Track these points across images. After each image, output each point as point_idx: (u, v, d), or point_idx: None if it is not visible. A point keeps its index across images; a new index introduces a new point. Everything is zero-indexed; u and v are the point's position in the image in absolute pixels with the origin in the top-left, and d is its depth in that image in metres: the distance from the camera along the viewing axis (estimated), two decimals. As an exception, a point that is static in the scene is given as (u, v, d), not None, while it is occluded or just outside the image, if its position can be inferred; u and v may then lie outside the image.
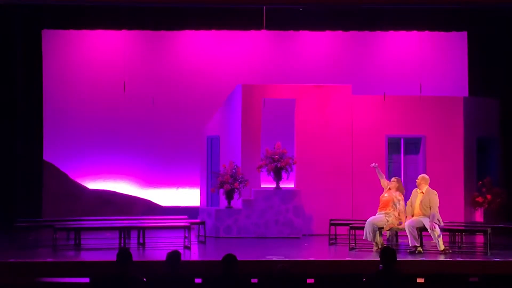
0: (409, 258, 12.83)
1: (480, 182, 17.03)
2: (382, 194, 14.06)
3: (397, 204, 13.72)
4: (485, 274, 10.27)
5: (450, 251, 13.45)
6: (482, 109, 17.44)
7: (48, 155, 18.35)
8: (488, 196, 16.82)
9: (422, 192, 13.54)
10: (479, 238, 15.10)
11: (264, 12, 16.05)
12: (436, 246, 13.37)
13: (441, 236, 13.35)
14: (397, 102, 17.17)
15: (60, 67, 18.95)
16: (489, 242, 13.35)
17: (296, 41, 19.31)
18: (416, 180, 13.75)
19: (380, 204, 13.98)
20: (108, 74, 19.00)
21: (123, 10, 17.67)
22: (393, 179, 14.01)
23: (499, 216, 16.72)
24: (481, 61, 18.24)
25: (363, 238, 13.84)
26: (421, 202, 13.50)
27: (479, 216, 17.01)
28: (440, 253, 13.24)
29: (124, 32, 18.85)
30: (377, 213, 13.93)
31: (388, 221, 13.73)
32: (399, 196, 13.77)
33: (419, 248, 13.35)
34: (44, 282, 10.81)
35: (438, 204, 13.43)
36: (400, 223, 13.74)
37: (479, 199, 16.85)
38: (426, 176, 13.80)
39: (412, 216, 13.52)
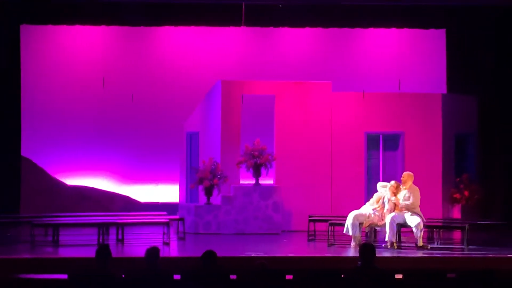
0: (388, 254, 12.90)
1: (458, 179, 17.13)
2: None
3: (386, 203, 13.77)
4: (462, 270, 10.34)
5: (429, 247, 13.54)
6: (460, 106, 17.53)
7: (26, 151, 18.23)
8: (466, 193, 16.92)
9: (406, 188, 13.68)
10: (457, 234, 15.19)
11: (243, 8, 16.06)
12: (414, 242, 13.47)
13: (422, 231, 13.46)
14: (376, 99, 17.23)
15: (38, 62, 18.82)
16: (467, 238, 13.46)
17: (275, 38, 19.31)
18: (402, 178, 13.83)
19: (372, 198, 14.06)
20: (87, 70, 18.91)
21: (102, 5, 17.60)
22: (392, 183, 14.02)
23: (476, 212, 16.83)
24: (459, 58, 18.34)
25: (344, 232, 13.89)
26: (404, 197, 13.64)
27: (456, 212, 17.11)
28: (418, 249, 13.33)
29: (103, 28, 18.76)
30: (365, 205, 13.99)
31: (369, 218, 13.80)
32: (391, 196, 13.80)
33: (395, 244, 13.44)
34: (22, 279, 10.74)
35: (419, 199, 13.61)
36: (380, 220, 13.83)
37: (457, 195, 16.95)
38: (411, 173, 13.96)
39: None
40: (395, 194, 13.81)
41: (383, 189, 14.13)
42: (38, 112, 18.75)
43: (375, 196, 14.08)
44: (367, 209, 13.94)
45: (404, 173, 14.05)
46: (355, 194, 16.46)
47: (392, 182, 13.99)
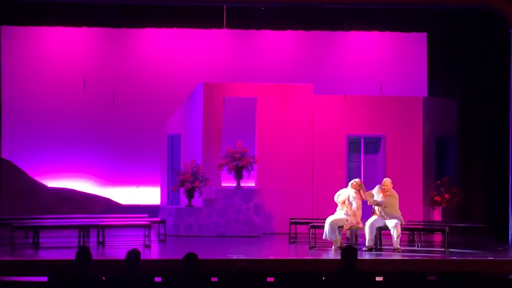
0: (368, 257, 12.93)
1: (439, 182, 17.21)
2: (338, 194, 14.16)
3: (353, 202, 13.79)
4: (443, 272, 10.39)
5: (401, 250, 13.51)
6: (441, 109, 17.62)
7: (6, 153, 18.09)
8: (446, 196, 17.00)
9: (387, 195, 13.67)
10: (437, 237, 15.27)
11: (225, 10, 16.06)
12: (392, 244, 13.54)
13: (400, 236, 13.50)
14: (357, 102, 17.28)
15: (19, 63, 18.70)
16: (447, 241, 13.52)
17: (257, 40, 19.32)
18: (385, 186, 13.74)
19: (338, 204, 14.07)
20: (68, 71, 18.82)
21: (84, 7, 17.50)
22: (357, 179, 14.06)
23: (457, 215, 16.92)
24: (440, 62, 18.41)
25: (323, 237, 13.89)
26: (382, 202, 13.67)
27: (437, 215, 17.20)
28: (395, 251, 13.39)
29: (84, 29, 18.69)
30: (336, 211, 13.99)
31: (347, 220, 13.81)
32: (354, 194, 13.83)
33: (373, 249, 13.47)
34: (2, 281, 10.67)
35: (396, 205, 13.63)
36: (359, 221, 13.86)
37: (438, 198, 17.03)
38: (391, 180, 13.94)
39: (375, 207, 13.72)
40: (358, 191, 13.84)
41: (345, 191, 14.06)
42: (18, 113, 18.63)
43: (340, 200, 14.02)
44: (340, 213, 13.92)
45: (388, 180, 13.91)
46: (336, 197, 16.48)
47: (356, 179, 14.02)
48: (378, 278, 9.51)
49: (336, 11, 17.66)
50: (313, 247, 13.99)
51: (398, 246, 13.46)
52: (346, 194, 13.92)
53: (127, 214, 16.50)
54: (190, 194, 16.08)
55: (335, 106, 17.20)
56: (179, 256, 8.71)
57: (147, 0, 16.56)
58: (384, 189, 13.77)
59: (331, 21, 18.13)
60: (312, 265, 12.27)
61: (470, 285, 9.31)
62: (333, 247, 13.74)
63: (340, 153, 17.10)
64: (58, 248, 13.62)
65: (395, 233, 13.43)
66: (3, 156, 18.03)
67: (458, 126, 17.87)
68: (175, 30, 18.92)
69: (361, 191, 13.86)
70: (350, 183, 14.03)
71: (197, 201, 16.20)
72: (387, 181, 13.92)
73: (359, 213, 13.88)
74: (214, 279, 8.97)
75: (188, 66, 19.10)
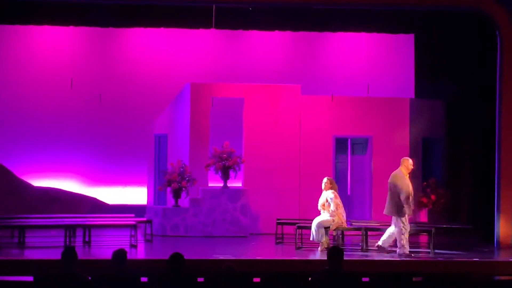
0: (355, 257, 12.95)
1: (425, 183, 17.25)
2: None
3: (331, 202, 13.80)
4: (428, 273, 10.43)
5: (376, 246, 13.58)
6: (427, 110, 17.67)
7: (-8, 152, 18.05)
8: (433, 197, 17.04)
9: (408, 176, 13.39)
10: (423, 238, 15.31)
11: (214, 10, 16.06)
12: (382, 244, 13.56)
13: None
14: (345, 102, 17.31)
15: (5, 62, 18.64)
16: (433, 242, 13.55)
17: (245, 41, 19.34)
18: (412, 166, 13.46)
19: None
20: (55, 70, 18.76)
21: (71, 6, 17.45)
22: (325, 180, 14.06)
23: (443, 216, 16.96)
24: (427, 63, 18.47)
25: (310, 239, 13.90)
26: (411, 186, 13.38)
27: (423, 216, 17.23)
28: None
29: (71, 29, 18.63)
30: (321, 214, 14.00)
31: (334, 221, 13.83)
32: (331, 194, 13.85)
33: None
34: (-13, 281, 10.63)
35: None
36: (343, 222, 13.89)
37: (424, 199, 17.07)
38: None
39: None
40: (331, 188, 13.84)
41: (322, 195, 14.06)
42: (5, 112, 18.56)
43: (320, 204, 14.02)
44: (327, 215, 13.92)
45: (411, 160, 13.54)
46: (323, 198, 16.49)
47: (325, 179, 14.01)
48: (364, 279, 9.53)
49: (324, 12, 17.68)
50: (300, 247, 14.00)
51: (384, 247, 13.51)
52: (324, 198, 13.95)
53: (113, 214, 16.46)
54: (177, 194, 16.07)
55: (322, 107, 17.22)
56: (165, 256, 8.70)
57: (134, 0, 16.53)
58: (411, 169, 13.38)
59: (318, 22, 18.15)
60: (299, 266, 12.29)
61: (456, 286, 9.35)
62: (319, 248, 13.76)
63: (327, 153, 17.11)
64: (44, 248, 13.58)
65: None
66: (-11, 155, 17.99)
67: (445, 128, 17.92)
68: (163, 30, 18.89)
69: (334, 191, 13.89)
70: (322, 187, 14.00)
71: (184, 201, 16.18)
72: (411, 160, 13.49)
73: (341, 212, 13.87)
74: (200, 279, 8.96)
75: (176, 66, 19.08)
